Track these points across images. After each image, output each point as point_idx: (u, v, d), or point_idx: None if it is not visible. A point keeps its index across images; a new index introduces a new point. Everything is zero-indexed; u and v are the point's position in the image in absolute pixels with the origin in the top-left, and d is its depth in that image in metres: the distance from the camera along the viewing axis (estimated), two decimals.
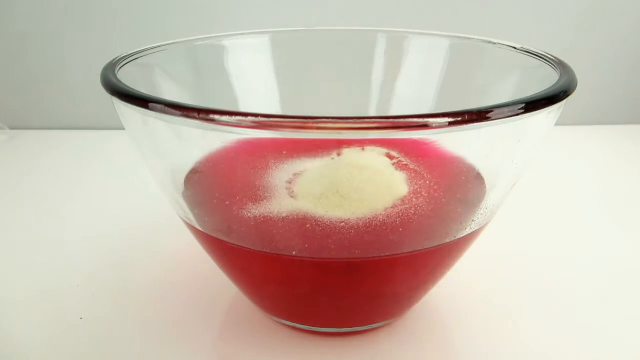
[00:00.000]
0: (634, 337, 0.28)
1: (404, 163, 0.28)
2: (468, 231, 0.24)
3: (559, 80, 0.22)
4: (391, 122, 0.17)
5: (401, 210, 0.24)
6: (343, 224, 0.23)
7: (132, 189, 0.46)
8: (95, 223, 0.40)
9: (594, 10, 0.59)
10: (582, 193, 0.46)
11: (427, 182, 0.26)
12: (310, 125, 0.17)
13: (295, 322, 0.28)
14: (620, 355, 0.27)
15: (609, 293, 0.32)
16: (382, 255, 0.23)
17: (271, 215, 0.24)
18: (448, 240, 0.23)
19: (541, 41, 0.58)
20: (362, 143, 0.28)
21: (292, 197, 0.25)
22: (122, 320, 0.29)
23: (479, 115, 0.18)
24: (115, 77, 0.23)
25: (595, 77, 0.61)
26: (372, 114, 0.36)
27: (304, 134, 0.17)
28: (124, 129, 0.24)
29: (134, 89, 0.20)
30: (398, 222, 0.23)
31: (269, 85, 0.36)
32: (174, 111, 0.19)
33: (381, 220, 0.23)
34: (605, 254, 0.36)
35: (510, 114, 0.19)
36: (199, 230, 0.24)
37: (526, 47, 0.28)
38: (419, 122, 0.17)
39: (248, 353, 0.27)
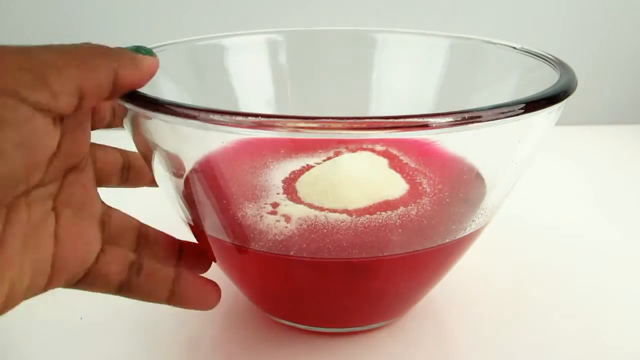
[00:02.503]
0: (636, 338, 0.28)
1: (403, 162, 0.28)
2: (469, 231, 0.24)
3: (559, 80, 0.22)
4: (392, 122, 0.17)
5: (401, 211, 0.24)
6: (342, 224, 0.23)
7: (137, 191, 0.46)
8: None
9: (593, 10, 0.59)
10: (582, 193, 0.46)
11: (427, 182, 0.26)
12: (311, 125, 0.17)
13: (295, 322, 0.28)
14: (623, 356, 0.27)
15: (612, 293, 0.32)
16: (382, 255, 0.23)
17: (270, 215, 0.24)
18: (448, 240, 0.23)
19: (541, 41, 0.58)
20: (362, 143, 0.28)
21: (291, 197, 0.25)
22: (121, 320, 0.29)
23: (479, 115, 0.18)
24: None
25: (595, 77, 0.61)
26: (372, 114, 0.36)
27: (306, 134, 0.17)
28: (124, 128, 0.24)
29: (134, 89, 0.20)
30: (398, 222, 0.23)
31: (268, 85, 0.36)
32: (174, 110, 0.19)
33: (381, 220, 0.23)
34: (605, 253, 0.36)
35: (510, 114, 0.18)
36: (200, 230, 0.24)
37: (526, 47, 0.28)
38: (419, 122, 0.17)
39: (248, 353, 0.27)
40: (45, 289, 0.19)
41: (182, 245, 0.25)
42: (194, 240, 0.26)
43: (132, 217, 0.24)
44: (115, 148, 0.25)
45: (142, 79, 0.19)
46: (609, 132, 0.61)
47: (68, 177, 0.20)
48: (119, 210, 0.23)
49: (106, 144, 0.25)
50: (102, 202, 0.22)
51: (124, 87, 0.19)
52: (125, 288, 0.22)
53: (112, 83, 0.18)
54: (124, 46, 0.20)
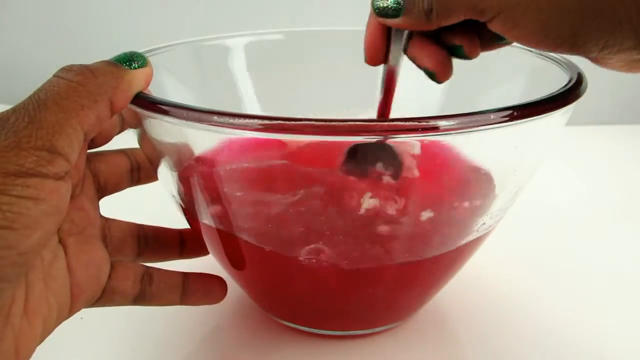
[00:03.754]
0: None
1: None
2: (479, 234, 0.23)
3: (569, 82, 0.22)
4: (402, 125, 0.17)
5: (410, 217, 0.23)
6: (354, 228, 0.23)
7: (136, 187, 0.46)
8: None
9: None
10: (582, 193, 0.46)
11: (437, 186, 0.25)
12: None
13: (298, 324, 0.28)
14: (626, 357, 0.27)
15: (614, 293, 0.32)
16: (387, 261, 0.23)
17: (281, 216, 0.24)
18: (458, 245, 0.23)
19: None
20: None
21: (301, 199, 0.25)
22: (122, 321, 0.29)
23: (486, 117, 0.18)
24: None
25: (596, 77, 0.61)
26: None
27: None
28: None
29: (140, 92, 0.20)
30: (408, 229, 0.23)
31: (272, 85, 0.36)
32: (179, 112, 0.18)
33: (386, 224, 0.23)
34: (606, 254, 0.36)
35: (519, 115, 0.18)
36: (208, 225, 0.24)
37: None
38: (427, 124, 0.17)
39: (250, 354, 0.27)
40: (68, 315, 0.20)
41: (182, 233, 0.26)
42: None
43: (129, 222, 0.24)
44: (120, 152, 0.24)
45: (138, 92, 0.20)
46: (609, 132, 0.61)
47: None
48: (115, 220, 0.24)
49: (111, 143, 0.24)
50: (101, 216, 0.23)
51: (122, 108, 0.19)
52: (140, 298, 0.23)
53: (111, 111, 0.19)
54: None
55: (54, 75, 0.18)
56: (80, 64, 0.18)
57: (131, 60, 0.20)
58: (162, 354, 0.27)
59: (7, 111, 0.17)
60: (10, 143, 0.16)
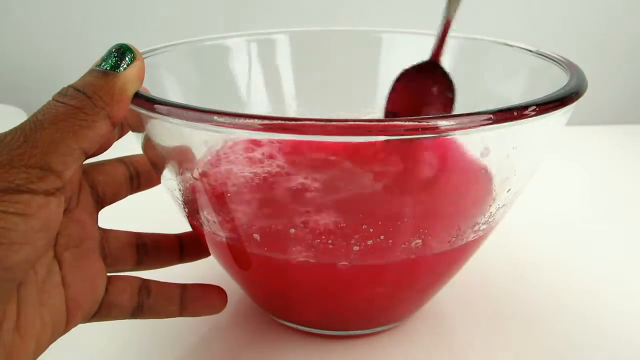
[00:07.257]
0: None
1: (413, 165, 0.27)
2: (478, 234, 0.23)
3: (569, 82, 0.22)
4: (404, 125, 0.17)
5: (409, 215, 0.23)
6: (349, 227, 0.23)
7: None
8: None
9: (593, 9, 0.59)
10: (582, 193, 0.46)
11: (436, 185, 0.25)
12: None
13: (297, 324, 0.28)
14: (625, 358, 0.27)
15: (614, 293, 0.32)
16: (386, 260, 0.23)
17: (280, 219, 0.24)
18: (458, 244, 0.23)
19: (541, 41, 0.58)
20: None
21: (300, 201, 0.25)
22: (121, 320, 0.29)
23: (487, 117, 0.18)
24: None
25: (595, 77, 0.61)
26: (379, 116, 0.35)
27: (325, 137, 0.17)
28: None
29: (139, 91, 0.20)
30: (407, 227, 0.23)
31: (273, 85, 0.36)
32: (179, 112, 0.18)
33: (387, 224, 0.23)
34: (606, 254, 0.36)
35: (519, 115, 0.18)
36: (210, 233, 0.24)
37: (536, 48, 0.28)
38: (427, 124, 0.17)
39: (250, 354, 0.27)
40: (65, 331, 0.20)
41: (181, 237, 0.26)
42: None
43: (127, 232, 0.24)
44: (117, 160, 0.24)
45: (134, 92, 0.19)
46: (609, 132, 0.61)
47: (62, 221, 0.19)
48: (112, 230, 0.24)
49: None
50: (99, 228, 0.23)
51: (122, 117, 0.19)
52: (138, 311, 0.23)
53: (112, 124, 0.18)
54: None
55: (52, 99, 0.18)
56: (74, 88, 0.18)
57: (119, 60, 0.19)
58: (162, 353, 0.27)
59: (5, 132, 0.17)
60: (3, 160, 0.16)
